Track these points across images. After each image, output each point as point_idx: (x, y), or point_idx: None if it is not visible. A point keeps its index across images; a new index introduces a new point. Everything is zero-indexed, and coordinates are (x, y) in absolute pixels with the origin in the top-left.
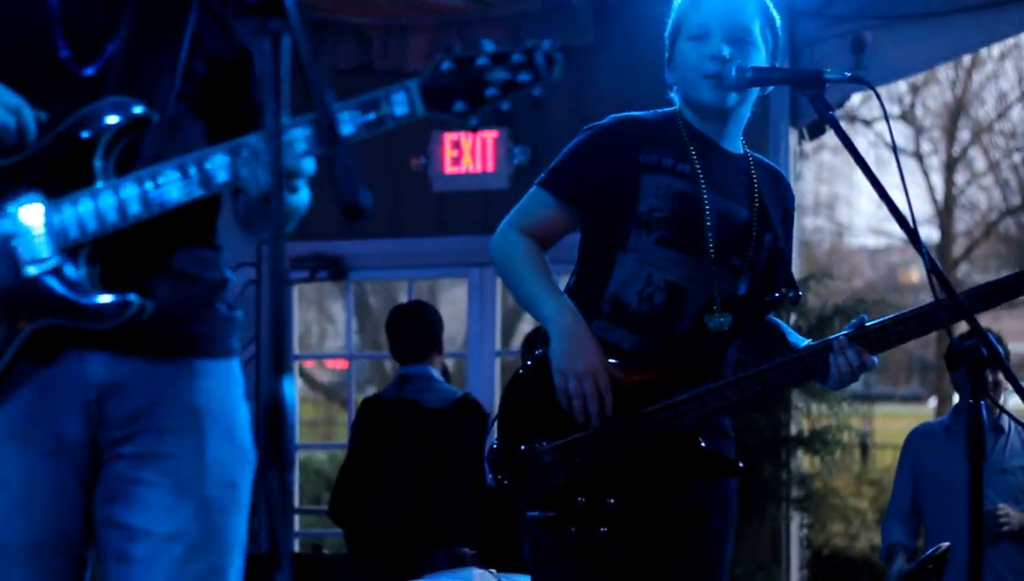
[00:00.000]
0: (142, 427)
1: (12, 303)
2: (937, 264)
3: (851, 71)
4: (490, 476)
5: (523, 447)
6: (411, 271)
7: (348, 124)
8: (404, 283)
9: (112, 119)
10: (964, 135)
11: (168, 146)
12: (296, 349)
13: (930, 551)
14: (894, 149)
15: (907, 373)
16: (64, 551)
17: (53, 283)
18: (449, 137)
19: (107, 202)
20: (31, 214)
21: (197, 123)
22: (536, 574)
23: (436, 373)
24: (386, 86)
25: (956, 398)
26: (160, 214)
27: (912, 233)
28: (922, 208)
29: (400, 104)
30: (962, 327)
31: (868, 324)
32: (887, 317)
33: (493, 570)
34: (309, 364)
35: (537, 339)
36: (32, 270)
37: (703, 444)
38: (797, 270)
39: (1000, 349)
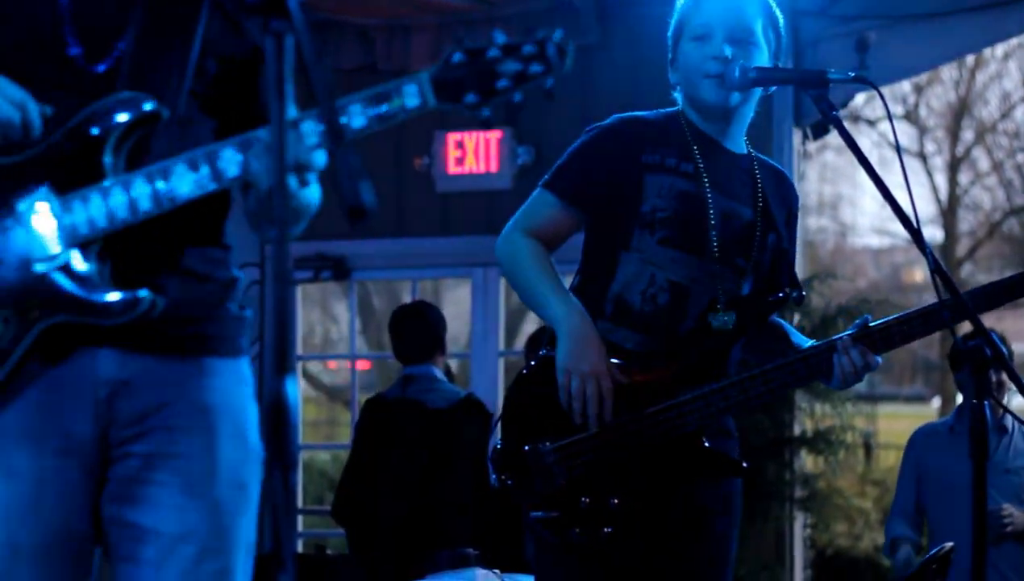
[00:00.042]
0: (152, 426)
1: (22, 301)
2: (941, 264)
3: (855, 71)
4: (494, 476)
5: (527, 447)
6: (415, 271)
7: (360, 116)
8: (408, 283)
9: (122, 115)
10: (968, 135)
11: (178, 144)
12: (299, 349)
13: (934, 551)
14: (898, 149)
15: (911, 373)
16: (72, 551)
17: (63, 280)
18: (453, 137)
19: (117, 198)
20: (40, 211)
21: (208, 121)
22: (539, 574)
23: (439, 373)
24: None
25: (960, 398)
26: (171, 209)
27: (916, 233)
28: (926, 208)
29: (411, 96)
30: (966, 327)
31: (872, 324)
32: (891, 317)
33: (497, 570)
34: (332, 365)
35: (541, 339)
36: (42, 267)
37: (707, 444)
38: (800, 270)
39: (1004, 349)
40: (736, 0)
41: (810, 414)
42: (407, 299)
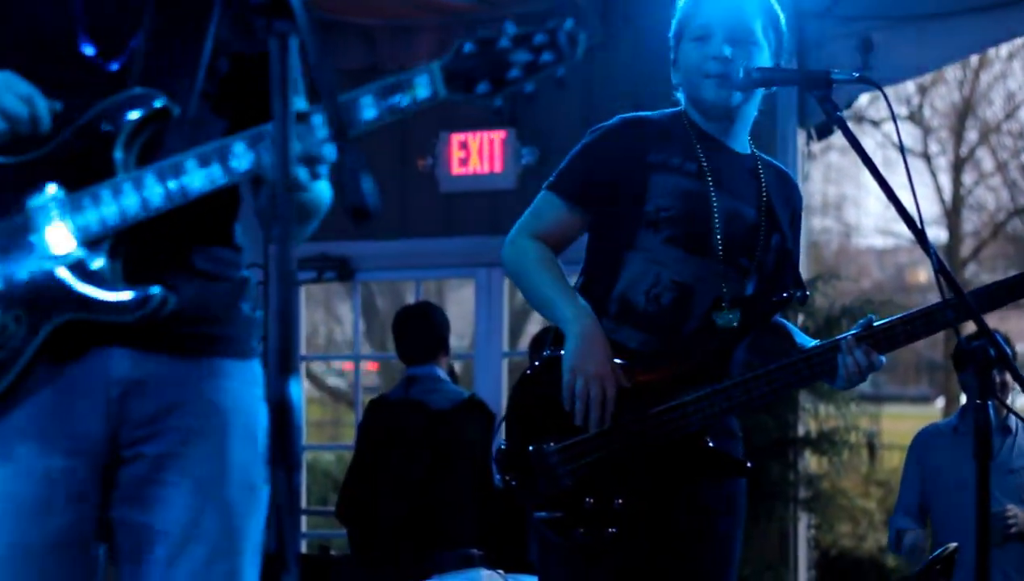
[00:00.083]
0: (165, 426)
1: (33, 298)
2: (945, 264)
3: (858, 72)
4: (498, 477)
5: (531, 448)
6: (418, 272)
7: (371, 108)
8: (411, 284)
9: (133, 112)
10: (972, 135)
11: (190, 143)
12: (303, 350)
13: (938, 551)
14: (901, 150)
15: (915, 374)
16: (79, 551)
17: (74, 277)
18: (456, 138)
19: (128, 193)
20: (51, 209)
21: (219, 121)
22: (543, 575)
23: (443, 374)
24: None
25: (964, 399)
26: (182, 204)
27: (920, 234)
28: (930, 208)
29: (422, 86)
30: (970, 328)
31: (876, 324)
32: (895, 317)
33: (501, 571)
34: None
35: (545, 340)
36: (53, 265)
37: (710, 444)
38: (804, 271)
39: (1008, 350)
40: (736, 0)
41: (814, 415)
42: (411, 300)
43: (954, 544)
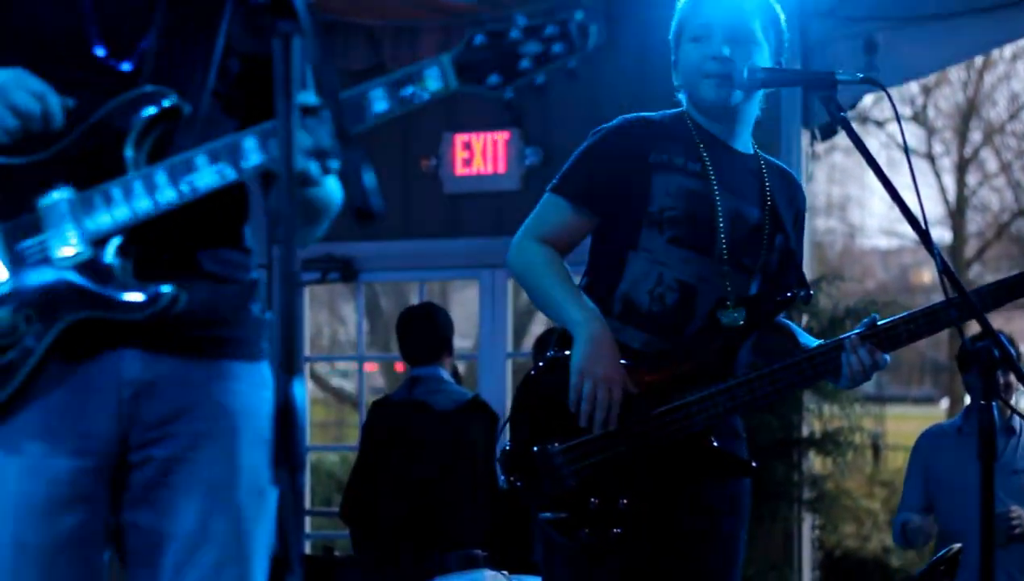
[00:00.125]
0: (176, 429)
1: (43, 298)
2: (949, 265)
3: (863, 72)
4: (502, 478)
5: (535, 448)
6: (422, 273)
7: (382, 100)
8: (415, 285)
9: (144, 110)
10: (976, 136)
11: (200, 142)
12: (307, 351)
13: (942, 552)
14: (906, 150)
15: (919, 374)
16: (86, 553)
17: (84, 276)
18: (460, 138)
19: (138, 190)
20: (61, 207)
21: (229, 121)
22: (547, 575)
23: (446, 375)
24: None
25: (968, 399)
26: (193, 200)
27: (924, 234)
28: (934, 209)
29: (433, 78)
30: (974, 328)
31: (879, 323)
32: (898, 316)
33: (505, 572)
34: (373, 367)
35: (549, 340)
36: (63, 264)
37: (715, 444)
38: (809, 271)
39: (1012, 351)
40: (734, 0)
41: (818, 415)
42: (415, 300)
43: (958, 545)
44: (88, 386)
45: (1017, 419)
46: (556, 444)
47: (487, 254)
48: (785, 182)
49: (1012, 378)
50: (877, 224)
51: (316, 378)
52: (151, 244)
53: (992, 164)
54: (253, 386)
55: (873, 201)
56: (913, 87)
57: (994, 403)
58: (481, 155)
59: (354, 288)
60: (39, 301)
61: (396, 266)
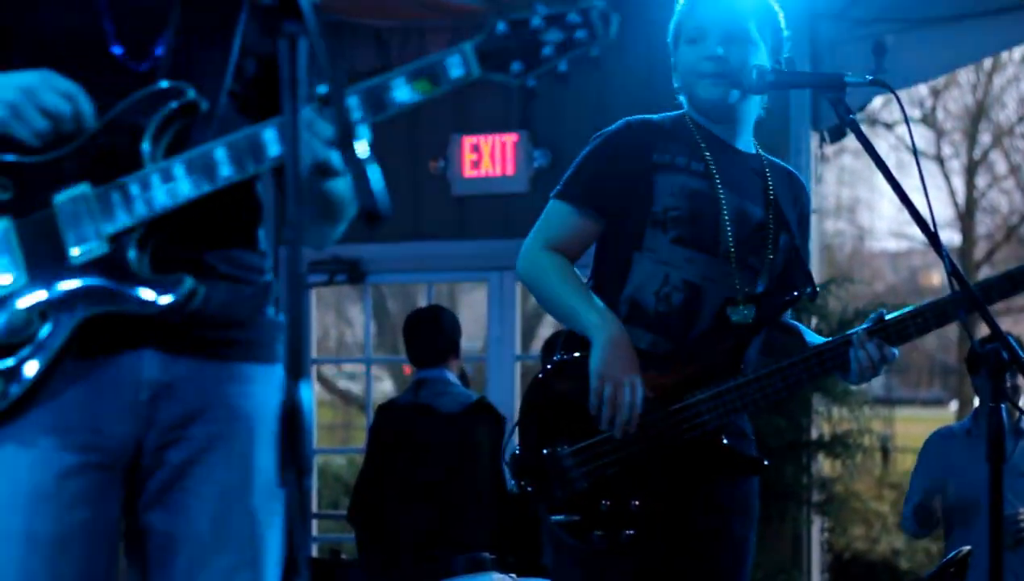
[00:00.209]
0: (191, 432)
1: (59, 294)
2: (958, 267)
3: (872, 74)
4: (512, 482)
5: (545, 451)
6: (430, 275)
7: (404, 89)
8: (423, 287)
9: (162, 105)
10: (985, 138)
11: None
12: (314, 353)
13: (951, 554)
14: (915, 152)
15: (928, 377)
16: (93, 550)
17: (101, 271)
18: (468, 140)
19: (156, 183)
20: (78, 202)
21: (245, 122)
22: (557, 578)
23: (453, 377)
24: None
25: (977, 402)
26: (211, 192)
27: (933, 237)
28: (943, 211)
29: (455, 66)
30: (984, 331)
31: (887, 318)
32: (905, 309)
33: (513, 575)
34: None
35: (557, 343)
36: (81, 258)
37: (725, 442)
38: (818, 274)
39: (1021, 353)
40: (729, 1)
41: (827, 418)
42: (423, 303)
43: (967, 547)
44: (105, 384)
45: None
46: (565, 446)
47: (495, 256)
48: (788, 182)
49: (1021, 381)
50: (886, 226)
51: (323, 380)
52: (168, 244)
53: (1001, 166)
54: (268, 388)
55: (882, 203)
56: (922, 89)
57: (1003, 406)
58: (489, 157)
59: (361, 290)
60: (54, 297)
61: (404, 268)
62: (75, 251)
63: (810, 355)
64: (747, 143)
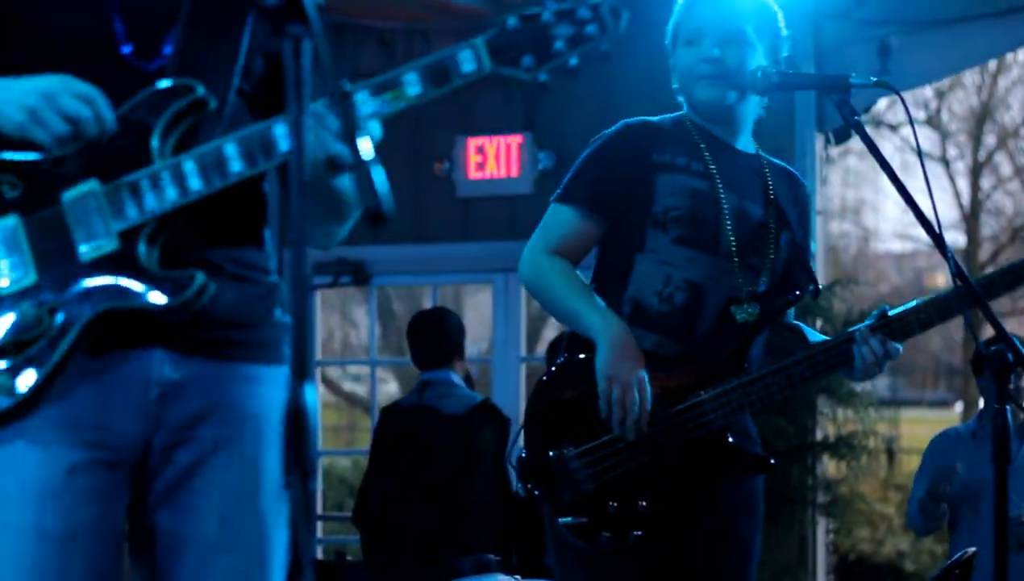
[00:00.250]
0: (200, 432)
1: (69, 291)
2: (963, 269)
3: (877, 76)
4: (519, 484)
5: (551, 454)
6: (435, 277)
7: (415, 84)
8: (428, 289)
9: (171, 101)
10: (990, 140)
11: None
12: (318, 355)
13: (956, 556)
14: (919, 154)
15: (933, 378)
16: (101, 547)
17: (111, 267)
18: (473, 142)
19: (166, 179)
20: (87, 199)
21: (253, 120)
22: (562, 579)
23: (457, 379)
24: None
25: (982, 403)
26: (221, 187)
27: (938, 238)
28: (948, 213)
29: (467, 61)
30: (989, 332)
31: (890, 314)
32: (908, 305)
33: (518, 576)
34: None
35: (561, 345)
36: (90, 255)
37: (731, 441)
38: (823, 275)
39: None
40: (725, 2)
41: (832, 419)
42: (428, 304)
43: (972, 549)
44: (114, 382)
45: None
46: (572, 448)
47: (500, 258)
48: (788, 181)
49: None
50: (891, 228)
51: (328, 382)
52: (177, 241)
53: (1006, 168)
54: (276, 390)
55: (887, 205)
56: (927, 91)
57: (1008, 407)
58: (494, 159)
59: (366, 292)
60: (64, 295)
61: (409, 270)
62: (84, 248)
63: (814, 352)
64: (746, 143)
